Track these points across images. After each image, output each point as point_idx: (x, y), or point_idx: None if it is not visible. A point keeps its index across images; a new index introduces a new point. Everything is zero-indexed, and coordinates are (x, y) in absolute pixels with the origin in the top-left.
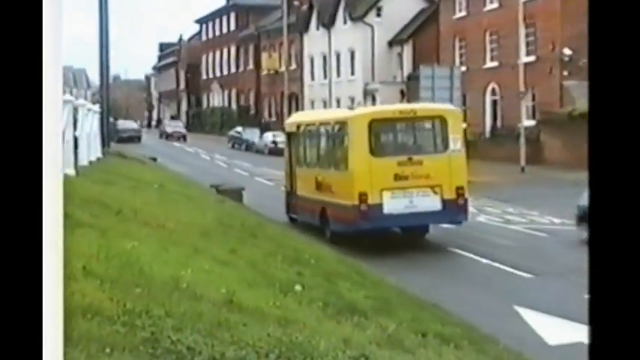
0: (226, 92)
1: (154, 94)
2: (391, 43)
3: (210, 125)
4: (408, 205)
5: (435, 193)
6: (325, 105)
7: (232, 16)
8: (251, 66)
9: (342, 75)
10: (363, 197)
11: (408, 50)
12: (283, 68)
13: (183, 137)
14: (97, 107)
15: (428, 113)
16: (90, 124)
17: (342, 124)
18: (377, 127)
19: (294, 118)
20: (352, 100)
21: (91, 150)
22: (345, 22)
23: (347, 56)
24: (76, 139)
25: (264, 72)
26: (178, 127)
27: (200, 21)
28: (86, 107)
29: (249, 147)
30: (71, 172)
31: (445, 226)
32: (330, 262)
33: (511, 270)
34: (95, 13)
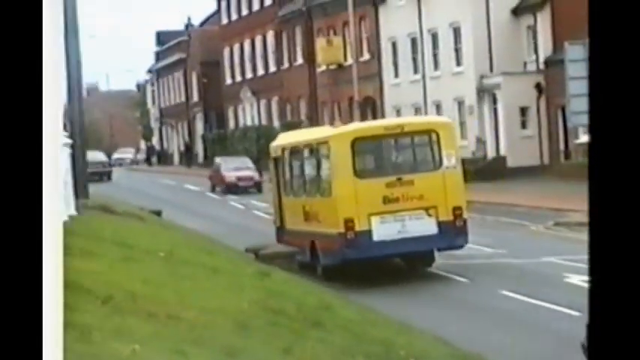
0: (263, 103)
1: (152, 111)
2: (517, 11)
3: (240, 154)
4: (401, 230)
5: (430, 215)
6: (417, 113)
7: None
8: (300, 60)
9: (441, 66)
10: (349, 224)
11: (544, 20)
12: (350, 61)
13: (256, 186)
14: (65, 138)
15: (417, 128)
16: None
17: (324, 144)
18: (361, 145)
19: (279, 141)
20: (460, 103)
21: (61, 204)
22: None
23: (449, 36)
24: None
25: (322, 68)
26: (246, 168)
27: None
28: None
29: None
30: None
31: None
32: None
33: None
34: None
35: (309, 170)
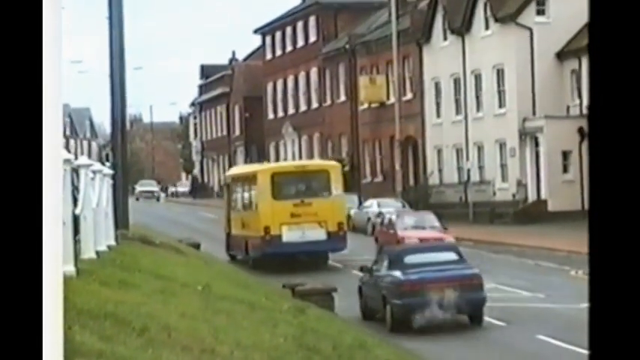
0: (304, 139)
1: (194, 143)
2: (561, 55)
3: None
4: (302, 235)
5: (322, 226)
6: (458, 154)
7: (311, 21)
8: (343, 97)
9: (484, 107)
10: (267, 230)
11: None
12: (393, 99)
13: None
14: (107, 168)
15: (316, 168)
16: (98, 195)
17: (254, 176)
18: (278, 178)
19: (229, 172)
20: (502, 145)
21: (100, 234)
22: (487, 27)
23: (492, 78)
24: (75, 219)
25: (364, 106)
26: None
27: (262, 30)
28: (91, 169)
29: None
30: (69, 269)
31: None
32: None
33: None
34: (100, 24)
35: (245, 194)
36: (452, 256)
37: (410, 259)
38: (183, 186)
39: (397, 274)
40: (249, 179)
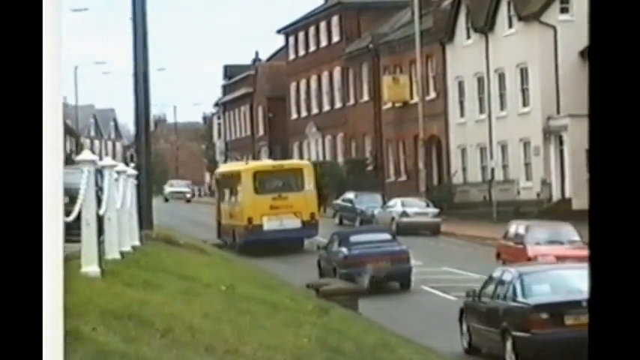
0: (328, 138)
1: (218, 144)
2: (585, 54)
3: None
4: (280, 224)
5: (297, 217)
6: (482, 153)
7: (334, 21)
8: (366, 97)
9: (508, 107)
10: (250, 220)
11: None
12: (416, 99)
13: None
14: (131, 169)
15: (291, 167)
16: (122, 196)
17: (238, 174)
18: (259, 175)
19: (219, 170)
20: (526, 144)
21: (124, 235)
22: (510, 25)
23: (516, 77)
24: (100, 220)
25: (387, 105)
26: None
27: (285, 31)
28: (115, 169)
29: (365, 222)
30: (93, 270)
31: None
32: None
33: None
34: (123, 26)
35: (232, 188)
36: (387, 236)
37: (354, 238)
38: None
39: (344, 250)
40: (235, 176)
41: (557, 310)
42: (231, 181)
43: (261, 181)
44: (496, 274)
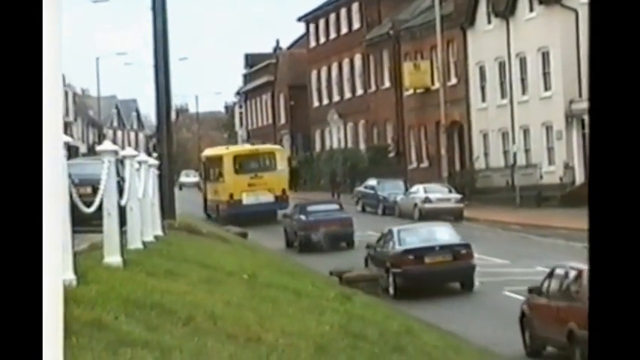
0: (350, 126)
1: (240, 132)
2: None
3: (326, 177)
4: (256, 199)
5: (270, 192)
6: (504, 138)
7: (355, 8)
8: (387, 84)
9: (530, 91)
10: (231, 196)
11: None
12: (438, 85)
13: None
14: (153, 159)
15: (266, 150)
16: (144, 186)
17: (221, 157)
18: (238, 158)
19: (205, 153)
20: (548, 128)
21: (147, 225)
22: (531, 9)
23: (537, 61)
24: (121, 210)
25: (409, 92)
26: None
27: (306, 18)
28: (137, 159)
29: (388, 209)
30: (115, 260)
31: None
32: None
33: None
34: (144, 16)
35: (216, 169)
36: (336, 207)
37: (310, 209)
38: None
39: (303, 217)
40: (218, 159)
41: (419, 253)
42: (215, 163)
43: (241, 163)
44: (385, 231)
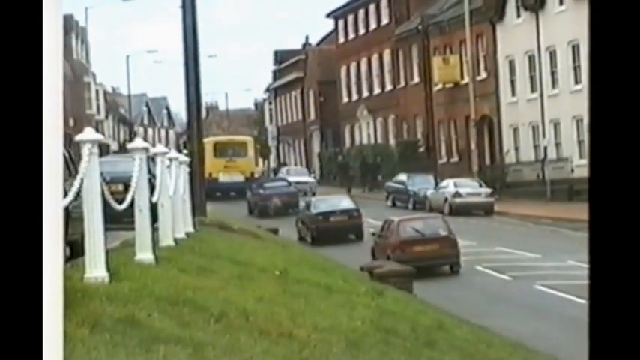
0: (379, 121)
1: (270, 129)
2: None
3: (355, 172)
4: (230, 178)
5: (242, 174)
6: (534, 132)
7: (383, 3)
8: (416, 79)
9: (560, 84)
10: (210, 175)
11: None
12: (467, 79)
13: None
14: (184, 156)
15: (239, 141)
16: (175, 183)
17: (205, 144)
18: (218, 146)
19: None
20: (579, 121)
21: (178, 222)
22: (561, 2)
23: (567, 54)
24: (153, 208)
25: (438, 87)
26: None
27: (335, 14)
28: (167, 156)
29: (418, 204)
30: (147, 257)
31: None
32: None
33: None
34: (173, 14)
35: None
36: (285, 183)
37: (266, 185)
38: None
39: (260, 191)
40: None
41: (326, 215)
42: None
43: (218, 150)
44: (307, 200)
